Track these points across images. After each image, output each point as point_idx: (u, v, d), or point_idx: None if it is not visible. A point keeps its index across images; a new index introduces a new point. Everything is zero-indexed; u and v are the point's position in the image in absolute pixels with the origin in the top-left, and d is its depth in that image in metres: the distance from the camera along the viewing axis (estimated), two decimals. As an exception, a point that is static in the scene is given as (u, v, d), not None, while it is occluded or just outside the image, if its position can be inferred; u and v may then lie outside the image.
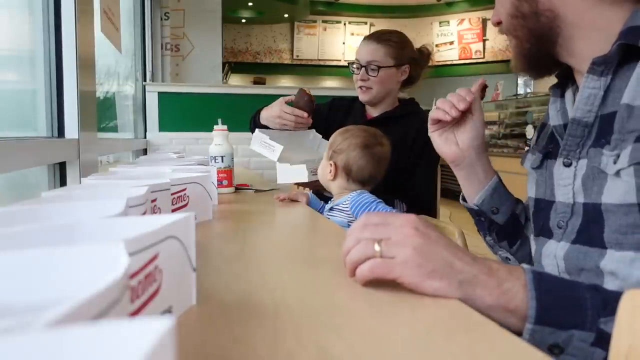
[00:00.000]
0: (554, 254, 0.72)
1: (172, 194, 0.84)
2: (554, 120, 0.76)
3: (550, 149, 0.78)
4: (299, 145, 1.61)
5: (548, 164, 0.77)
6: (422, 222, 0.55)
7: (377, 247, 0.52)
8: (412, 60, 1.59)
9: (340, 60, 8.99)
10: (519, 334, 0.50)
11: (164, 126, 3.33)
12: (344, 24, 9.28)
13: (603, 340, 0.49)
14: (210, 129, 1.50)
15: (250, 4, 7.28)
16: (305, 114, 1.55)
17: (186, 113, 3.35)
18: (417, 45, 1.64)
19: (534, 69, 0.79)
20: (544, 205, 0.77)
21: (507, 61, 8.51)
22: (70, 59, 1.36)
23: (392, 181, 1.39)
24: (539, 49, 0.74)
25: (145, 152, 3.18)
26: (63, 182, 1.38)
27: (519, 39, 0.75)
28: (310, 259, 0.73)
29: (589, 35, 0.69)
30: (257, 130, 1.53)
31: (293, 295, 0.52)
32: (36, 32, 1.37)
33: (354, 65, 1.59)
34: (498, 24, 0.80)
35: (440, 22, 9.27)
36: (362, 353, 0.38)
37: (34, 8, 1.38)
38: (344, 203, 1.24)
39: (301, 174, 1.44)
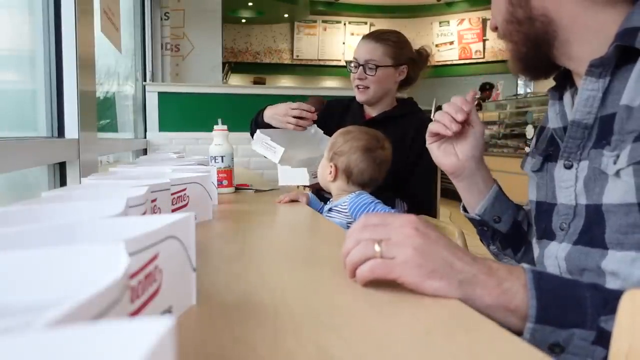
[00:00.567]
0: (555, 255, 0.72)
1: (172, 194, 0.84)
2: (554, 123, 0.76)
3: (550, 151, 0.77)
4: (300, 141, 1.61)
5: (548, 167, 0.77)
6: (422, 222, 0.55)
7: (377, 248, 0.52)
8: (411, 61, 1.58)
9: (340, 60, 8.99)
10: (519, 333, 0.50)
11: (164, 126, 3.33)
12: (344, 24, 9.28)
13: (603, 339, 0.49)
14: (210, 129, 1.50)
15: (250, 4, 7.28)
16: (313, 108, 1.55)
17: (186, 113, 3.35)
18: (416, 45, 1.64)
19: (531, 71, 0.79)
20: (545, 208, 0.77)
21: (507, 61, 8.48)
22: (70, 59, 1.36)
23: (391, 181, 1.39)
24: (536, 53, 0.74)
25: (145, 152, 3.19)
26: (63, 182, 1.38)
27: (515, 44, 0.75)
28: (310, 259, 0.73)
29: (585, 38, 0.69)
30: (258, 131, 1.52)
31: (293, 295, 0.52)
32: (36, 32, 1.37)
33: (352, 64, 1.59)
34: (496, 29, 0.80)
35: (440, 22, 9.28)
36: (362, 353, 0.38)
37: (34, 8, 1.38)
38: (343, 204, 1.24)
39: (302, 177, 1.44)
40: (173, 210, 0.84)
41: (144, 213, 0.57)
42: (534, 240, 0.81)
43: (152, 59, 3.70)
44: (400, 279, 0.51)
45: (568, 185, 0.71)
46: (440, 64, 9.23)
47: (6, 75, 1.47)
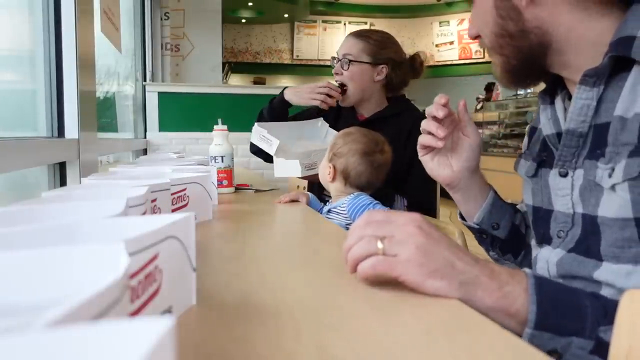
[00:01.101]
0: (546, 259, 0.72)
1: (172, 194, 0.84)
2: (546, 129, 0.75)
3: (544, 157, 0.76)
4: (305, 135, 1.61)
5: (543, 173, 0.76)
6: (426, 221, 0.55)
7: (379, 245, 0.52)
8: (392, 62, 1.56)
9: (340, 61, 8.97)
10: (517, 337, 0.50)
11: (164, 126, 3.33)
12: (344, 24, 9.27)
13: (602, 349, 0.48)
14: (210, 129, 1.50)
15: (250, 4, 7.28)
16: (339, 89, 1.57)
17: (186, 113, 3.35)
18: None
19: (521, 82, 0.77)
20: (542, 214, 0.76)
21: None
22: (70, 59, 1.36)
23: (391, 180, 1.39)
24: (527, 65, 0.72)
25: (145, 152, 3.18)
26: (63, 182, 1.38)
27: (506, 57, 0.73)
28: (310, 259, 0.73)
29: (580, 48, 0.67)
30: (256, 124, 1.53)
31: (293, 295, 0.52)
32: (36, 32, 1.37)
33: (334, 60, 1.60)
34: (476, 37, 0.77)
35: (440, 22, 9.27)
36: (362, 353, 0.38)
37: (34, 8, 1.38)
38: (341, 206, 1.24)
39: (295, 169, 1.44)
40: (173, 210, 0.84)
41: (144, 213, 0.57)
42: (533, 243, 0.81)
43: (152, 59, 3.70)
44: (401, 277, 0.51)
45: (564, 194, 0.70)
46: (440, 64, 9.22)
47: (6, 75, 1.47)
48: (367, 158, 1.25)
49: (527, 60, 0.71)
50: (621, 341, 0.46)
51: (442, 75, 8.99)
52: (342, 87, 1.58)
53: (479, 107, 6.64)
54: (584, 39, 0.67)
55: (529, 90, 7.27)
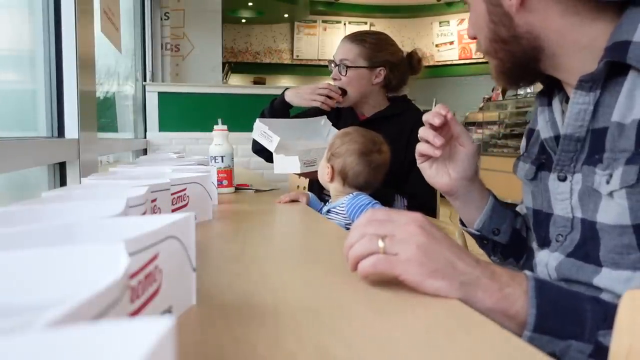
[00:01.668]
0: (545, 263, 0.71)
1: (172, 194, 0.84)
2: (544, 132, 0.75)
3: (543, 160, 0.76)
4: (307, 133, 1.62)
5: (542, 176, 0.76)
6: (428, 221, 0.55)
7: (381, 243, 0.52)
8: (389, 64, 1.56)
9: (340, 61, 8.97)
10: None
11: (164, 126, 3.33)
12: (344, 24, 9.27)
13: (601, 353, 0.48)
14: (210, 129, 1.50)
15: (250, 4, 7.28)
16: (339, 90, 1.57)
17: (186, 113, 3.35)
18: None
19: (516, 83, 0.77)
20: (543, 217, 0.76)
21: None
22: (70, 59, 1.36)
23: (391, 180, 1.39)
24: (521, 68, 0.72)
25: (145, 152, 3.18)
26: (63, 182, 1.38)
27: (500, 60, 0.73)
28: (311, 259, 0.73)
29: (574, 52, 0.67)
30: (257, 120, 1.53)
31: (293, 295, 0.52)
32: (36, 32, 1.37)
33: (332, 65, 1.60)
34: (474, 38, 0.77)
35: (440, 22, 9.27)
36: (362, 353, 0.38)
37: (34, 8, 1.38)
38: (341, 206, 1.24)
39: (294, 165, 1.44)
40: (173, 210, 0.84)
41: (144, 213, 0.57)
42: (535, 246, 0.81)
43: (152, 59, 3.70)
44: (402, 277, 0.51)
45: (563, 198, 0.70)
46: (440, 64, 9.22)
47: (6, 75, 1.47)
48: (364, 158, 1.25)
49: (521, 63, 0.71)
50: (621, 340, 0.46)
51: (442, 75, 8.99)
52: (342, 88, 1.58)
53: (481, 106, 6.64)
54: (576, 44, 0.66)
55: (529, 90, 7.27)
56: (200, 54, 4.29)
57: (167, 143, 3.29)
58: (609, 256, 0.61)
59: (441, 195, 1.70)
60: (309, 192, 1.40)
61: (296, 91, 1.64)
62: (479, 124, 6.25)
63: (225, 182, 1.47)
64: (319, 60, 9.14)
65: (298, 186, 2.10)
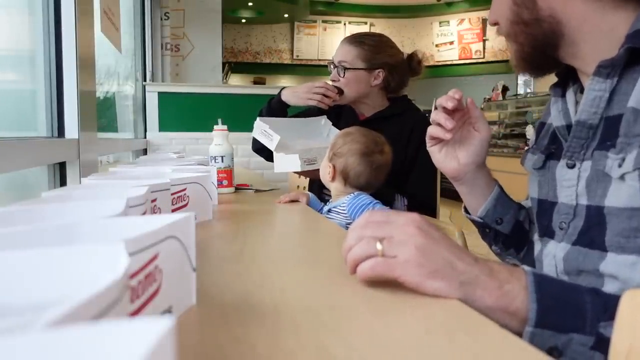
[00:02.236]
0: (553, 254, 0.72)
1: (172, 194, 0.84)
2: (556, 121, 0.76)
3: (552, 149, 0.77)
4: (307, 132, 1.62)
5: (551, 165, 0.76)
6: (425, 221, 0.55)
7: (379, 246, 0.52)
8: (388, 65, 1.55)
9: (340, 61, 8.97)
10: (518, 335, 0.50)
11: (164, 126, 3.33)
12: (344, 24, 9.27)
13: (602, 345, 0.48)
14: (210, 129, 1.50)
15: (250, 4, 7.28)
16: (336, 90, 1.57)
17: (186, 113, 3.35)
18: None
19: (535, 70, 0.78)
20: (547, 206, 0.76)
21: (507, 61, 8.50)
22: (70, 59, 1.36)
23: (391, 180, 1.39)
24: (541, 53, 0.73)
25: (145, 152, 3.18)
26: (63, 182, 1.38)
27: (520, 44, 0.74)
28: (310, 259, 0.73)
29: (594, 39, 0.68)
30: (258, 118, 1.53)
31: (293, 295, 0.52)
32: (36, 32, 1.37)
33: (331, 66, 1.60)
34: (495, 24, 0.78)
35: (440, 22, 9.27)
36: (362, 353, 0.38)
37: (34, 8, 1.38)
38: (342, 205, 1.24)
39: (295, 163, 1.44)
40: (173, 210, 0.84)
41: (144, 213, 0.57)
42: (536, 237, 0.81)
43: (152, 59, 3.70)
44: (401, 279, 0.51)
45: (570, 185, 0.70)
46: (440, 64, 9.22)
47: (6, 75, 1.47)
48: (366, 158, 1.25)
49: (541, 48, 0.72)
50: (622, 340, 0.46)
51: (442, 75, 8.99)
52: (339, 87, 1.58)
53: (481, 106, 6.65)
54: (596, 31, 0.67)
55: (528, 90, 7.27)
56: (200, 54, 4.29)
57: (167, 143, 3.29)
58: (614, 240, 0.62)
59: (441, 196, 1.70)
60: (309, 192, 1.40)
61: (293, 90, 1.64)
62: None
63: (225, 182, 1.47)
64: (319, 60, 9.14)
65: (298, 186, 2.10)
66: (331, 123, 1.65)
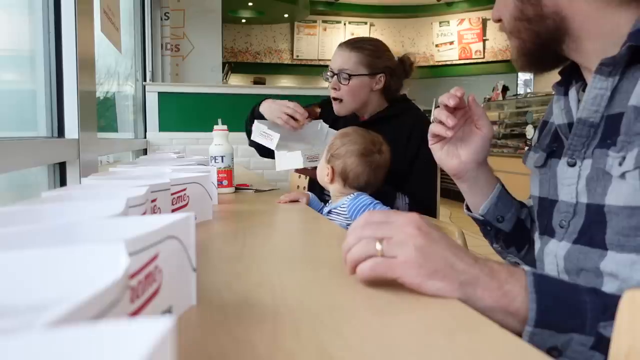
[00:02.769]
0: (554, 254, 0.72)
1: (172, 194, 0.84)
2: (558, 119, 0.76)
3: (554, 147, 0.77)
4: (304, 136, 1.61)
5: (552, 163, 0.77)
6: (425, 221, 0.55)
7: (378, 246, 0.52)
8: (389, 69, 1.54)
9: (340, 61, 8.97)
10: (518, 335, 0.50)
11: (164, 126, 3.33)
12: (344, 24, 9.28)
13: (602, 345, 0.48)
14: (210, 129, 1.50)
15: (250, 4, 7.28)
16: (306, 114, 1.54)
17: (186, 113, 3.35)
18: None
19: (537, 66, 0.78)
20: (547, 205, 0.76)
21: (507, 61, 8.52)
22: (70, 59, 1.36)
23: (391, 179, 1.39)
24: (543, 49, 0.73)
25: (145, 152, 3.19)
26: (63, 182, 1.38)
27: (522, 40, 0.74)
28: (310, 259, 0.73)
29: (597, 36, 0.68)
30: (256, 121, 1.53)
31: (293, 295, 0.52)
32: (36, 32, 1.37)
33: (328, 74, 1.56)
34: (498, 21, 0.79)
35: (440, 22, 9.27)
36: (362, 353, 0.38)
37: (34, 8, 1.38)
38: (342, 206, 1.24)
39: (297, 160, 1.44)
40: (173, 210, 0.84)
41: (144, 213, 0.57)
42: (536, 235, 0.81)
43: (152, 59, 3.70)
44: (401, 279, 0.51)
45: (570, 183, 0.70)
46: (440, 64, 9.23)
47: (6, 75, 1.47)
48: (365, 159, 1.25)
49: (543, 45, 0.73)
50: (621, 342, 0.46)
51: (442, 75, 8.99)
52: (315, 109, 1.56)
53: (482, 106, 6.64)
54: (600, 28, 0.68)
55: (528, 90, 7.27)
56: (200, 54, 4.30)
57: (167, 143, 3.29)
58: (615, 238, 0.62)
59: (441, 196, 1.70)
60: (309, 192, 1.40)
61: (270, 103, 1.57)
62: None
63: (225, 182, 1.47)
64: (319, 60, 9.14)
65: (298, 186, 2.10)
66: (328, 126, 1.64)
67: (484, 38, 8.97)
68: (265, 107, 1.58)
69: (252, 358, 0.37)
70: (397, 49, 9.20)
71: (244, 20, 8.38)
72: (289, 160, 1.46)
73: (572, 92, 0.75)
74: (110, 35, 1.66)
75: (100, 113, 2.29)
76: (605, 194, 0.64)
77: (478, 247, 2.04)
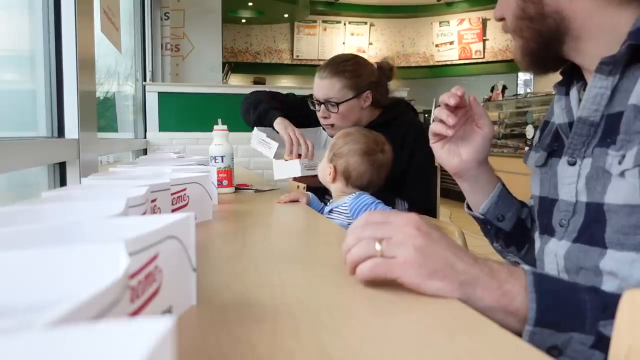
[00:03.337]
0: (554, 253, 0.72)
1: (172, 194, 0.84)
2: (559, 118, 0.76)
3: (555, 147, 0.77)
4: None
5: (552, 162, 0.77)
6: (424, 221, 0.55)
7: (378, 247, 0.52)
8: (373, 84, 1.52)
9: (340, 60, 8.97)
10: (518, 335, 0.50)
11: (164, 126, 3.33)
12: (344, 24, 9.28)
13: (602, 343, 0.49)
14: (210, 129, 1.50)
15: (250, 4, 7.28)
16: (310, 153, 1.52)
17: (186, 113, 3.35)
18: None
19: (539, 67, 0.78)
20: (547, 204, 0.77)
21: (507, 61, 8.53)
22: (70, 59, 1.36)
23: (390, 183, 1.39)
24: (545, 49, 0.74)
25: (145, 152, 3.19)
26: (63, 182, 1.38)
27: (525, 39, 0.75)
28: (310, 259, 0.73)
29: (597, 36, 0.68)
30: (255, 128, 1.53)
31: (293, 295, 0.52)
32: (36, 32, 1.37)
33: (314, 101, 1.54)
34: (501, 19, 0.79)
35: (440, 22, 9.28)
36: (362, 353, 0.38)
37: (34, 8, 1.38)
38: (343, 205, 1.24)
39: (295, 169, 1.44)
40: (173, 210, 0.84)
41: (144, 213, 0.57)
42: (536, 235, 0.81)
43: (152, 59, 3.70)
44: (401, 279, 0.51)
45: (570, 182, 0.71)
46: (440, 64, 9.23)
47: (6, 75, 1.47)
48: (367, 158, 1.25)
49: (545, 44, 0.73)
50: (621, 341, 0.46)
51: (442, 75, 8.99)
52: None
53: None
54: (601, 27, 0.68)
55: (528, 90, 7.26)
56: (200, 54, 4.30)
57: (167, 143, 3.29)
58: (614, 237, 0.62)
59: (441, 196, 1.70)
60: (309, 192, 1.40)
61: (287, 124, 1.54)
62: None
63: (225, 182, 1.47)
64: (319, 60, 9.13)
65: (298, 186, 2.10)
66: (327, 134, 1.64)
67: (484, 38, 8.97)
68: (282, 125, 1.54)
69: (252, 358, 0.37)
70: (397, 49, 9.21)
71: (244, 20, 8.38)
72: (287, 169, 1.46)
73: (573, 92, 0.75)
74: (110, 35, 1.66)
75: (100, 113, 2.29)
76: (604, 193, 0.64)
77: (478, 247, 2.04)
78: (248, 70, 8.76)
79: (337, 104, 1.49)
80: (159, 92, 3.34)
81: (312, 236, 0.97)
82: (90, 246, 0.29)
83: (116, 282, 0.24)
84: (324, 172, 1.31)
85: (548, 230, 0.76)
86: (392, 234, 0.53)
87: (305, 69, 9.09)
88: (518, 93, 7.18)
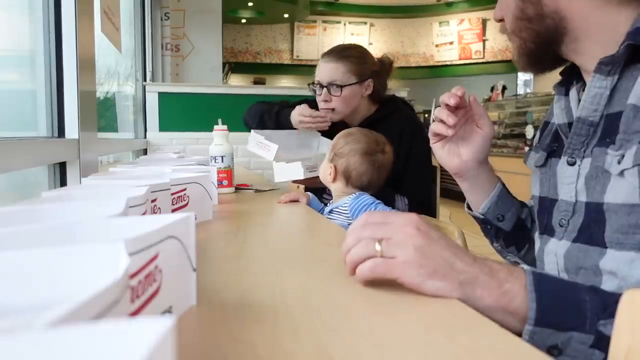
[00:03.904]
0: (554, 252, 0.72)
1: (172, 194, 0.84)
2: (559, 118, 0.76)
3: (554, 147, 0.78)
4: (298, 143, 1.61)
5: (552, 163, 0.77)
6: (424, 221, 0.55)
7: (377, 247, 0.52)
8: (375, 74, 1.55)
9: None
10: (518, 334, 0.50)
11: (164, 126, 3.33)
12: (344, 24, 9.28)
13: (602, 343, 0.49)
14: (210, 129, 1.50)
15: (250, 4, 7.28)
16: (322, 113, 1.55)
17: (186, 113, 3.35)
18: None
19: (537, 66, 0.78)
20: (547, 204, 0.77)
21: (506, 61, 8.53)
22: (70, 59, 1.36)
23: (390, 181, 1.39)
24: (543, 49, 0.74)
25: (145, 152, 3.19)
26: (63, 182, 1.38)
27: (523, 40, 0.75)
28: (310, 259, 0.73)
29: (596, 36, 0.69)
30: (252, 131, 1.53)
31: (293, 295, 0.52)
32: (36, 32, 1.37)
33: (315, 86, 1.56)
34: (500, 20, 0.79)
35: (440, 22, 9.27)
36: (362, 353, 0.38)
37: (34, 8, 1.38)
38: (343, 205, 1.24)
39: (297, 171, 1.44)
40: (173, 210, 0.84)
41: (144, 213, 0.57)
42: (536, 235, 0.81)
43: (152, 59, 3.70)
44: (401, 279, 0.51)
45: (569, 182, 0.71)
46: (440, 64, 9.23)
47: (6, 75, 1.47)
48: (368, 158, 1.25)
49: (543, 44, 0.73)
50: (620, 341, 0.46)
51: (441, 75, 8.99)
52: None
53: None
54: (600, 27, 0.68)
55: (528, 90, 7.26)
56: (200, 54, 4.30)
57: (167, 143, 3.29)
58: (614, 236, 0.62)
59: (441, 196, 1.70)
60: (309, 192, 1.40)
61: (300, 112, 1.58)
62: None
63: (225, 182, 1.47)
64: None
65: (298, 186, 2.10)
66: (320, 134, 1.64)
67: (484, 38, 8.97)
68: (295, 115, 1.58)
69: (252, 358, 0.37)
70: (397, 49, 9.21)
71: (244, 21, 8.38)
72: (288, 171, 1.46)
73: (573, 92, 0.76)
74: (111, 35, 1.66)
75: (101, 113, 2.29)
76: (604, 192, 0.64)
77: (478, 247, 2.04)
78: (248, 70, 8.76)
79: (341, 87, 1.51)
80: (159, 92, 3.34)
81: (312, 236, 0.97)
82: (90, 246, 0.29)
83: (116, 282, 0.24)
84: (325, 172, 1.31)
85: (548, 230, 0.76)
86: (391, 234, 0.53)
87: (305, 69, 9.08)
88: (518, 93, 7.18)
